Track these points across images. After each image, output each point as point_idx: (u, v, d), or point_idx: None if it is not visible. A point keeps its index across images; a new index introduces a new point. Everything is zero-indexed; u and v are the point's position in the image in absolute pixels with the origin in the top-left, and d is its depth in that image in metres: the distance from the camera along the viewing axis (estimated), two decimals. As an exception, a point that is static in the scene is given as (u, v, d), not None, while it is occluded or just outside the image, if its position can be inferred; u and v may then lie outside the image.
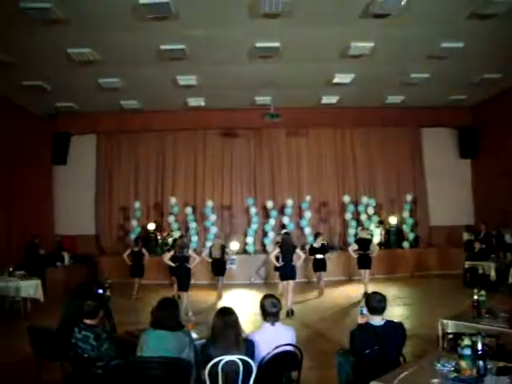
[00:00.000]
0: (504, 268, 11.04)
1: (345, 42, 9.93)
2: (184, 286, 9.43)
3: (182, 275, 9.51)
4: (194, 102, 14.20)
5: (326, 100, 14.27)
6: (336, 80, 12.24)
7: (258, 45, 9.84)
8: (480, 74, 12.14)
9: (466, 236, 13.85)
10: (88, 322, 4.48)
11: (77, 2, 7.83)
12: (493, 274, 11.19)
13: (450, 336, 4.91)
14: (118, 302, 9.71)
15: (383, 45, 9.95)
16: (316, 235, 12.17)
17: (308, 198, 15.54)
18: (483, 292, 5.59)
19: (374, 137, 16.30)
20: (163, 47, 9.77)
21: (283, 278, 9.69)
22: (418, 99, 14.47)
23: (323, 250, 11.86)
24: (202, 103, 14.32)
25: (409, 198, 15.76)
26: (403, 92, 13.76)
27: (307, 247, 12.42)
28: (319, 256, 11.71)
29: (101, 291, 6.95)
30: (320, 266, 11.72)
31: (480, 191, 15.53)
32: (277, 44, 9.83)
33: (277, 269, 10.44)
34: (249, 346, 3.86)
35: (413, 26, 9.06)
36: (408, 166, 16.34)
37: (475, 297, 5.45)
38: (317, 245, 11.86)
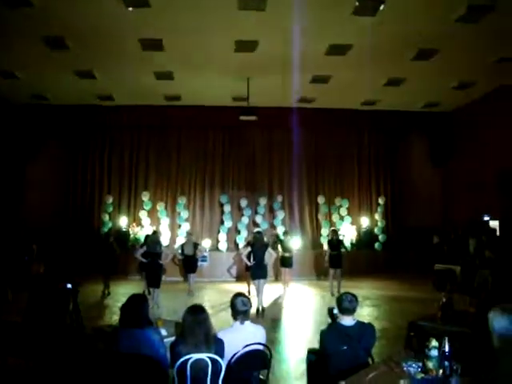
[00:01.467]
0: (470, 271, 11.26)
1: (322, 42, 9.93)
2: (155, 282, 9.34)
3: (153, 271, 9.42)
4: (169, 97, 14.07)
5: (301, 100, 14.28)
6: (312, 79, 12.28)
7: (238, 39, 9.77)
8: (454, 81, 12.36)
9: (435, 239, 14.09)
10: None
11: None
12: (460, 276, 11.41)
13: (418, 337, 4.98)
14: (87, 296, 9.63)
15: (360, 46, 9.99)
16: (285, 234, 12.30)
17: (280, 197, 15.63)
18: (451, 294, 5.69)
19: (349, 139, 16.42)
20: (141, 38, 9.62)
21: (254, 277, 9.65)
22: (392, 103, 14.65)
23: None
24: (179, 99, 14.20)
25: (381, 200, 16.01)
26: (379, 95, 13.90)
27: (279, 246, 12.41)
28: (287, 254, 11.76)
29: (69, 286, 6.84)
30: (286, 262, 11.76)
31: (450, 197, 15.78)
32: (256, 39, 9.79)
33: (248, 268, 10.42)
34: (218, 345, 3.83)
35: (390, 29, 9.12)
36: (381, 169, 16.54)
37: (443, 299, 5.54)
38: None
